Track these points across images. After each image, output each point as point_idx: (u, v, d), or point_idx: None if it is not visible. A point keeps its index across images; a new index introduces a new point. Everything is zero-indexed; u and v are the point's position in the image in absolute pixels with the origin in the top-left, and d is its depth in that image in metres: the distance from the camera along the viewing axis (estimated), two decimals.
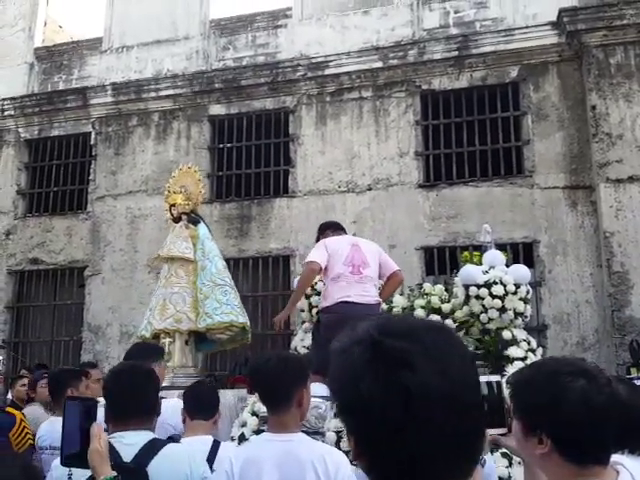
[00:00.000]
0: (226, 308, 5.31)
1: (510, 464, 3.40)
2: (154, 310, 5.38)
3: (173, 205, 5.69)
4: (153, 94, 10.67)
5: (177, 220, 5.68)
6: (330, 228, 5.09)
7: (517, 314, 4.78)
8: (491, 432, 1.85)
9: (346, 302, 4.46)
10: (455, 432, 0.84)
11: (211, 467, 2.55)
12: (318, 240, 4.95)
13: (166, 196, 5.83)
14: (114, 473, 1.77)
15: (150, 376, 2.24)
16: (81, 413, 1.82)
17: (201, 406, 2.90)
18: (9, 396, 7.06)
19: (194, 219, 5.74)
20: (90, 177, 10.90)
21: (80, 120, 11.13)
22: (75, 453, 1.79)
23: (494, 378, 1.94)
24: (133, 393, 2.12)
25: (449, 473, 0.86)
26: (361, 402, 0.85)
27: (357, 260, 4.68)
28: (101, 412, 3.10)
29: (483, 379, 1.93)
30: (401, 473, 0.85)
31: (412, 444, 0.83)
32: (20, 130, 11.44)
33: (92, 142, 11.01)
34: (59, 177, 11.14)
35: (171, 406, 3.21)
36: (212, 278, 5.47)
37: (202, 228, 5.74)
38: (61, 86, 11.43)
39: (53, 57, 11.76)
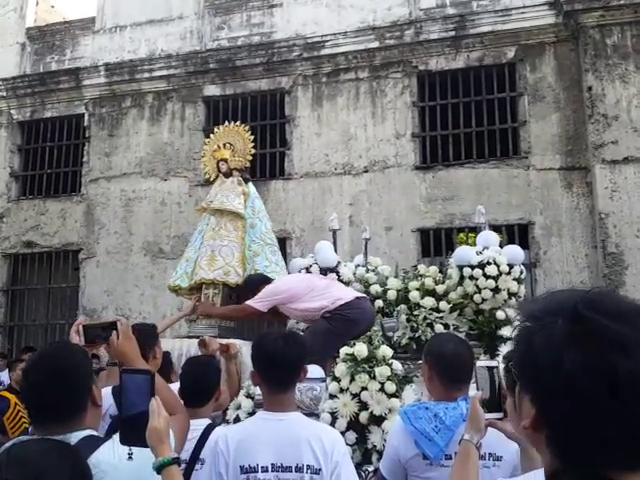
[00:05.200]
0: (275, 267, 5.35)
1: None
2: (199, 260, 5.36)
3: (223, 160, 5.68)
4: (147, 75, 10.57)
5: (227, 176, 5.67)
6: (266, 282, 4.91)
7: (511, 294, 4.79)
8: (487, 416, 1.86)
9: (358, 298, 4.53)
10: None
11: (200, 451, 2.56)
12: (246, 296, 4.81)
13: (213, 150, 5.81)
14: (174, 455, 1.63)
15: (75, 363, 1.81)
16: (139, 387, 1.68)
17: (193, 395, 2.85)
18: (7, 379, 7.08)
19: (246, 177, 5.78)
20: (84, 159, 10.84)
21: (73, 101, 11.03)
22: (134, 431, 1.64)
23: (491, 363, 1.94)
24: (50, 386, 1.72)
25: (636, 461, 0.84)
26: (560, 378, 0.83)
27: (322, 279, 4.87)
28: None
29: (480, 364, 1.92)
30: (586, 455, 0.83)
31: (608, 429, 0.81)
32: (12, 112, 11.34)
33: (85, 124, 10.92)
34: (52, 159, 11.06)
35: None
36: (262, 237, 5.51)
37: (252, 187, 5.78)
38: (54, 67, 11.31)
39: (45, 37, 11.62)
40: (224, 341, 4.16)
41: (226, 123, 6.13)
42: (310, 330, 4.42)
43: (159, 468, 1.61)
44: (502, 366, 1.86)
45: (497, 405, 1.87)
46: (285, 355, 2.28)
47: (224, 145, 5.77)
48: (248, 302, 4.68)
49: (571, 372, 0.82)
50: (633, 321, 0.84)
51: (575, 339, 0.83)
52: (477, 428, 1.88)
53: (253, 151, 5.95)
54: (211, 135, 6.07)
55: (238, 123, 6.10)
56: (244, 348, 4.22)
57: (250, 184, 5.81)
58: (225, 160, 5.70)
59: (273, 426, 2.21)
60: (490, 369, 1.89)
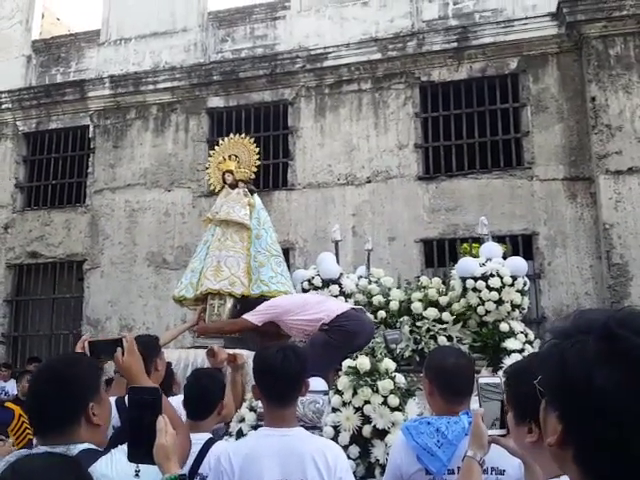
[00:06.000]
0: (281, 278, 5.37)
1: None
2: (205, 271, 5.39)
3: (228, 172, 5.72)
4: (151, 87, 10.63)
5: (232, 187, 5.71)
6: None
7: (514, 306, 4.78)
8: (490, 433, 1.85)
9: (354, 309, 4.58)
10: None
11: (199, 466, 2.55)
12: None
13: (219, 162, 5.86)
14: (181, 471, 1.64)
15: (76, 372, 1.82)
16: (146, 404, 1.69)
17: (195, 408, 2.83)
18: (15, 391, 7.06)
19: (252, 188, 5.82)
20: (88, 170, 10.88)
21: (78, 113, 11.10)
22: (141, 448, 1.65)
23: (493, 380, 1.93)
24: (48, 393, 1.76)
25: None
26: (590, 396, 0.82)
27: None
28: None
29: (482, 381, 1.90)
30: (617, 473, 0.82)
31: (637, 448, 0.80)
32: (18, 123, 11.41)
33: (90, 135, 10.98)
34: (57, 170, 11.11)
35: (175, 403, 3.18)
36: (268, 248, 5.54)
37: (258, 198, 5.84)
38: (59, 79, 11.39)
39: (51, 50, 11.71)
40: (231, 351, 4.16)
41: (231, 135, 6.17)
42: (309, 343, 4.43)
43: None
44: (503, 381, 1.85)
45: (500, 422, 1.86)
46: (285, 369, 2.25)
47: (229, 157, 5.82)
48: (244, 316, 4.81)
49: (602, 390, 0.81)
50: None
51: (606, 357, 0.82)
52: (480, 444, 1.87)
53: (258, 163, 5.98)
54: (216, 147, 6.10)
55: (243, 135, 6.15)
56: (250, 360, 4.22)
57: (255, 195, 5.84)
58: (231, 172, 5.75)
59: (277, 442, 2.19)
60: (491, 385, 1.88)
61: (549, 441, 0.91)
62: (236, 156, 5.84)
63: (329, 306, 4.56)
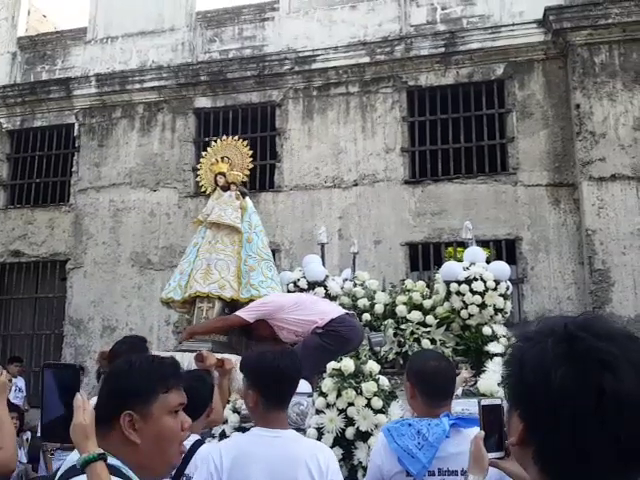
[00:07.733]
0: (271, 283, 5.34)
1: None
2: (194, 274, 5.35)
3: (220, 174, 5.68)
4: (138, 86, 10.57)
5: (224, 189, 5.68)
6: None
7: (497, 310, 4.82)
8: (490, 456, 1.85)
9: (347, 314, 4.58)
10: (638, 443, 0.84)
11: (185, 467, 2.54)
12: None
13: (211, 164, 5.82)
14: (100, 450, 1.51)
15: (119, 369, 1.68)
16: (62, 381, 1.60)
17: (185, 410, 2.82)
18: None
19: (244, 191, 5.78)
20: (73, 169, 10.79)
21: (63, 111, 11.00)
22: (56, 427, 1.55)
23: (494, 402, 1.92)
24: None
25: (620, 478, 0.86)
26: (549, 394, 0.85)
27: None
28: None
29: (484, 402, 1.89)
30: (572, 469, 0.85)
31: (593, 445, 0.83)
32: (2, 120, 11.29)
33: (75, 134, 10.89)
34: (41, 169, 11.01)
35: None
36: (258, 252, 5.51)
37: (249, 201, 5.80)
38: (44, 76, 11.29)
39: (36, 47, 11.61)
40: (219, 356, 4.14)
41: (224, 137, 6.13)
42: (301, 345, 4.40)
43: (83, 465, 1.51)
44: (505, 405, 1.85)
45: (499, 444, 1.84)
46: (289, 371, 2.30)
47: (222, 159, 5.78)
48: (236, 312, 4.73)
49: (559, 389, 0.84)
50: (621, 342, 0.87)
51: (564, 357, 0.86)
52: (481, 467, 1.89)
53: (251, 165, 5.95)
54: (208, 148, 6.06)
55: (236, 137, 6.11)
56: (238, 364, 4.18)
57: (247, 198, 5.81)
58: (223, 174, 5.70)
59: (268, 443, 2.19)
60: (491, 407, 1.86)
61: (511, 441, 0.94)
62: (228, 158, 5.81)
63: (323, 308, 4.55)
